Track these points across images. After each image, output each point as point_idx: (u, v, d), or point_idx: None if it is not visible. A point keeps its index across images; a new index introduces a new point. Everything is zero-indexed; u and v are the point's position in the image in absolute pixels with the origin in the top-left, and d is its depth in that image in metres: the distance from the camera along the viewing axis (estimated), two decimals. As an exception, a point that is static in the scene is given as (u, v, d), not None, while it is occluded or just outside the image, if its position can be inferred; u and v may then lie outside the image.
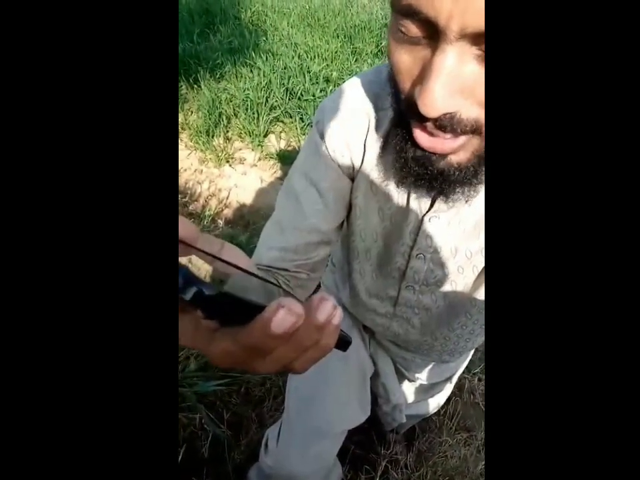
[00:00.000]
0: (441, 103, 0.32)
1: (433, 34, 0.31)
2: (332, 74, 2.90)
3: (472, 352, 0.89)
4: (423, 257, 0.55)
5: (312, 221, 0.54)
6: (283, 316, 0.21)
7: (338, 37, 3.57)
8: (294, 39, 3.41)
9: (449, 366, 0.85)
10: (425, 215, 0.51)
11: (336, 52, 3.25)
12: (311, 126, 0.56)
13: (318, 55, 3.16)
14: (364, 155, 0.51)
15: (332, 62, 3.10)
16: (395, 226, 0.55)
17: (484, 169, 0.39)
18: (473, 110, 0.34)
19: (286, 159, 2.32)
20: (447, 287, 0.58)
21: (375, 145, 0.50)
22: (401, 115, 0.38)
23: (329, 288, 0.80)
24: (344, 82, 0.56)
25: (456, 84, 0.32)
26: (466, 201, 0.45)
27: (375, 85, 0.50)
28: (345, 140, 0.51)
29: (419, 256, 0.55)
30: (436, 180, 0.40)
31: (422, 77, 0.33)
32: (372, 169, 0.52)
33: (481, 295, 0.57)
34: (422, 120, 0.35)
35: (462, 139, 0.36)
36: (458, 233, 0.51)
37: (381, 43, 3.41)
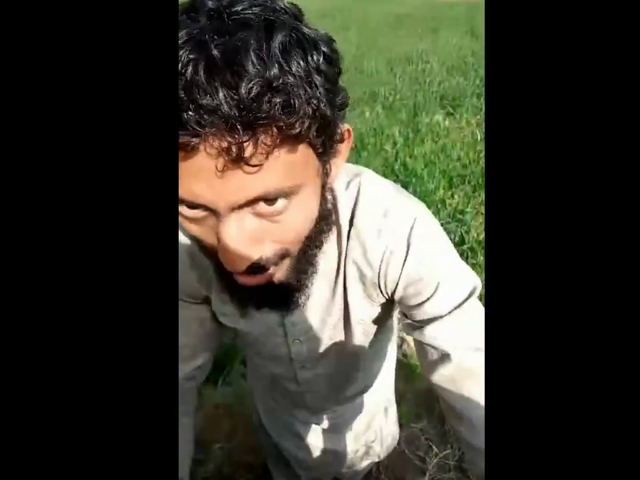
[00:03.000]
0: (243, 260, 0.36)
1: (209, 210, 0.34)
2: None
3: (390, 382, 0.92)
4: (299, 341, 0.59)
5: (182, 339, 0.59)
6: None
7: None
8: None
9: (370, 402, 0.87)
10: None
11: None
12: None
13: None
14: (208, 281, 0.55)
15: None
16: (264, 325, 0.58)
17: (303, 275, 0.45)
18: (272, 246, 0.38)
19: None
20: (330, 356, 0.62)
21: (210, 278, 0.53)
22: (218, 263, 0.40)
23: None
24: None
25: (246, 242, 0.35)
26: (307, 298, 0.49)
27: None
28: (186, 272, 0.54)
29: (295, 342, 0.59)
30: (273, 298, 0.44)
31: (217, 240, 0.36)
32: (220, 291, 0.54)
33: (357, 347, 0.62)
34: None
35: (271, 270, 0.40)
36: (316, 312, 0.56)
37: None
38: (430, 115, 3.68)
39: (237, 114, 0.28)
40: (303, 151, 0.34)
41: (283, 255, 0.40)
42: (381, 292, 0.52)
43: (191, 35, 0.28)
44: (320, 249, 0.46)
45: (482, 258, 1.98)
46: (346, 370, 0.69)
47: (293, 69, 0.29)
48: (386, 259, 0.48)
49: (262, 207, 0.34)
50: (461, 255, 1.21)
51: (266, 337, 0.60)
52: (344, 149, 0.41)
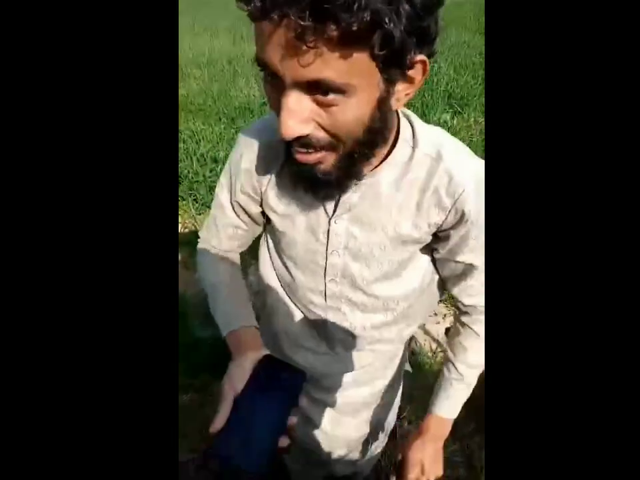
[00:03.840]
0: (291, 130, 0.45)
1: (279, 79, 0.43)
2: (219, 154, 2.99)
3: (397, 373, 0.92)
4: (337, 253, 0.66)
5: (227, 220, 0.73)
6: None
7: (220, 119, 3.72)
8: (176, 125, 3.47)
9: (378, 383, 0.88)
10: (330, 218, 0.63)
11: (220, 134, 3.37)
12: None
13: (203, 138, 3.25)
14: (270, 174, 0.66)
15: (218, 143, 3.20)
16: (309, 229, 0.66)
17: (345, 174, 0.53)
18: (320, 133, 0.47)
19: (182, 242, 2.29)
20: (359, 280, 0.69)
21: (276, 165, 0.65)
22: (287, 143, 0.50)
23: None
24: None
25: (299, 116, 0.45)
26: (340, 196, 0.60)
27: (274, 123, 0.63)
28: (252, 165, 0.66)
29: (333, 253, 0.66)
30: (315, 183, 0.54)
31: (279, 109, 0.45)
32: (277, 184, 0.66)
33: (388, 283, 0.68)
34: (292, 143, 0.48)
35: (320, 153, 0.49)
36: (357, 230, 0.63)
37: (261, 122, 3.61)
38: (438, 113, 3.67)
39: (310, 4, 0.36)
40: (364, 60, 0.41)
41: (330, 145, 0.48)
42: (446, 219, 0.60)
43: None
44: (368, 159, 0.54)
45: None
46: (372, 307, 0.72)
47: None
48: (464, 195, 0.58)
49: (319, 95, 0.43)
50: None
51: (306, 244, 0.67)
52: (417, 77, 0.48)
